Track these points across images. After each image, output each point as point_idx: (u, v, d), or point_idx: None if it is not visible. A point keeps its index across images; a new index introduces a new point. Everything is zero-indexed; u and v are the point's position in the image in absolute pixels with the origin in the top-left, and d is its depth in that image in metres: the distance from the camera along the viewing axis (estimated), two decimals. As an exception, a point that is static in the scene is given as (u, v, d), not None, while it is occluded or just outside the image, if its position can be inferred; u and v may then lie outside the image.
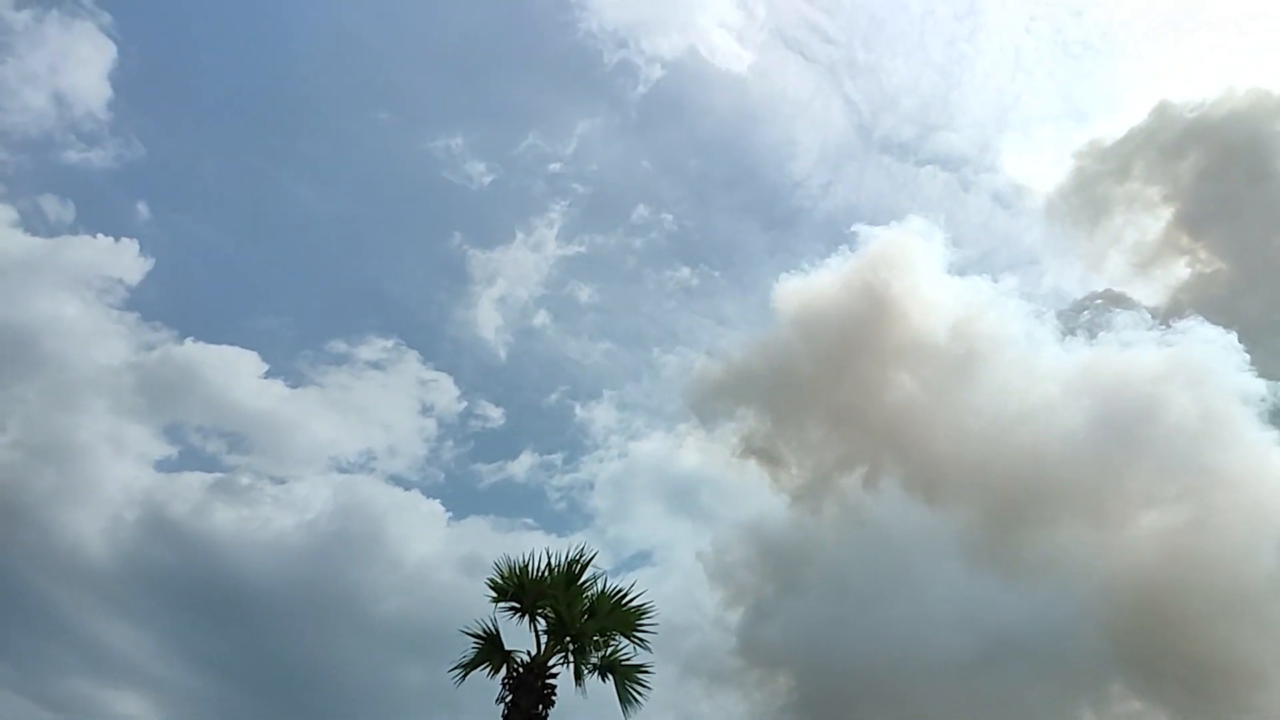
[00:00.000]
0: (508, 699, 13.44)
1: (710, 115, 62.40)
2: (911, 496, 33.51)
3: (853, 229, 43.58)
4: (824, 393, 38.79)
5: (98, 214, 50.36)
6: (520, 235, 56.21)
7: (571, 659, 13.90)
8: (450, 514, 48.96)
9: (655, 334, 58.80)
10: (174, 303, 52.78)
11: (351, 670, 40.87)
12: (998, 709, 27.33)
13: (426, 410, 51.93)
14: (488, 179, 56.35)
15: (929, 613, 28.87)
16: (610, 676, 14.01)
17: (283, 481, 47.46)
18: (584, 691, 13.88)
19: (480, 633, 14.11)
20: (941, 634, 28.15)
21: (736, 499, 42.59)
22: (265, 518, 45.23)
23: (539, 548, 14.16)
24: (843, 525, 34.64)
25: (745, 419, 40.26)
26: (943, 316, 38.63)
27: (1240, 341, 33.71)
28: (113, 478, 44.11)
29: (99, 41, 50.06)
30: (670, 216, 57.77)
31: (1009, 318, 38.51)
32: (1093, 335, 38.00)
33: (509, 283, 54.80)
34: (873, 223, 45.28)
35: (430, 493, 50.47)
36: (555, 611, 13.82)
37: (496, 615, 14.09)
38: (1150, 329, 37.12)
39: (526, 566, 14.00)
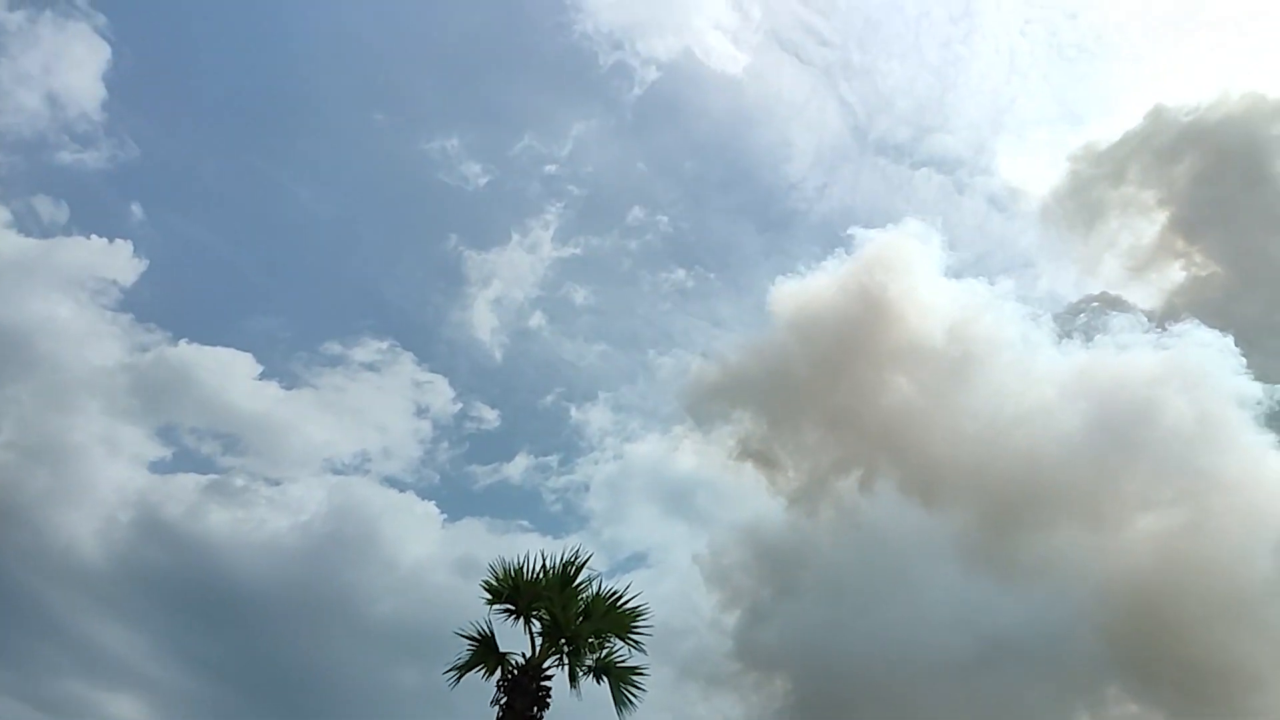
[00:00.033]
0: (502, 701, 13.39)
1: (705, 117, 62.54)
2: (908, 499, 33.52)
3: (849, 231, 43.56)
4: (820, 395, 38.82)
5: (92, 215, 50.36)
6: (516, 237, 56.26)
7: (566, 661, 13.85)
8: (445, 516, 48.90)
9: (650, 336, 58.86)
10: (168, 304, 52.77)
11: (346, 672, 40.81)
12: (994, 711, 27.29)
13: (421, 412, 51.92)
14: (483, 180, 56.38)
15: (926, 615, 28.85)
16: (605, 678, 13.96)
17: (277, 483, 47.39)
18: (579, 693, 13.83)
19: (475, 634, 14.06)
20: (938, 637, 28.13)
21: (733, 501, 42.64)
22: (260, 519, 45.16)
23: (534, 549, 14.14)
24: (839, 528, 34.65)
25: (742, 422, 40.31)
26: (939, 319, 38.70)
27: (1236, 345, 33.81)
28: (107, 479, 44.05)
29: (93, 42, 50.06)
30: (665, 218, 57.85)
31: (1005, 321, 38.61)
32: (1089, 338, 38.11)
33: (504, 284, 54.84)
34: (867, 225, 45.42)
35: (425, 494, 50.46)
36: (550, 613, 13.77)
37: (491, 617, 14.05)
38: (1146, 332, 37.23)
39: (521, 568, 13.95)
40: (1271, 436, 31.25)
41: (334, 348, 52.13)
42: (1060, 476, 32.22)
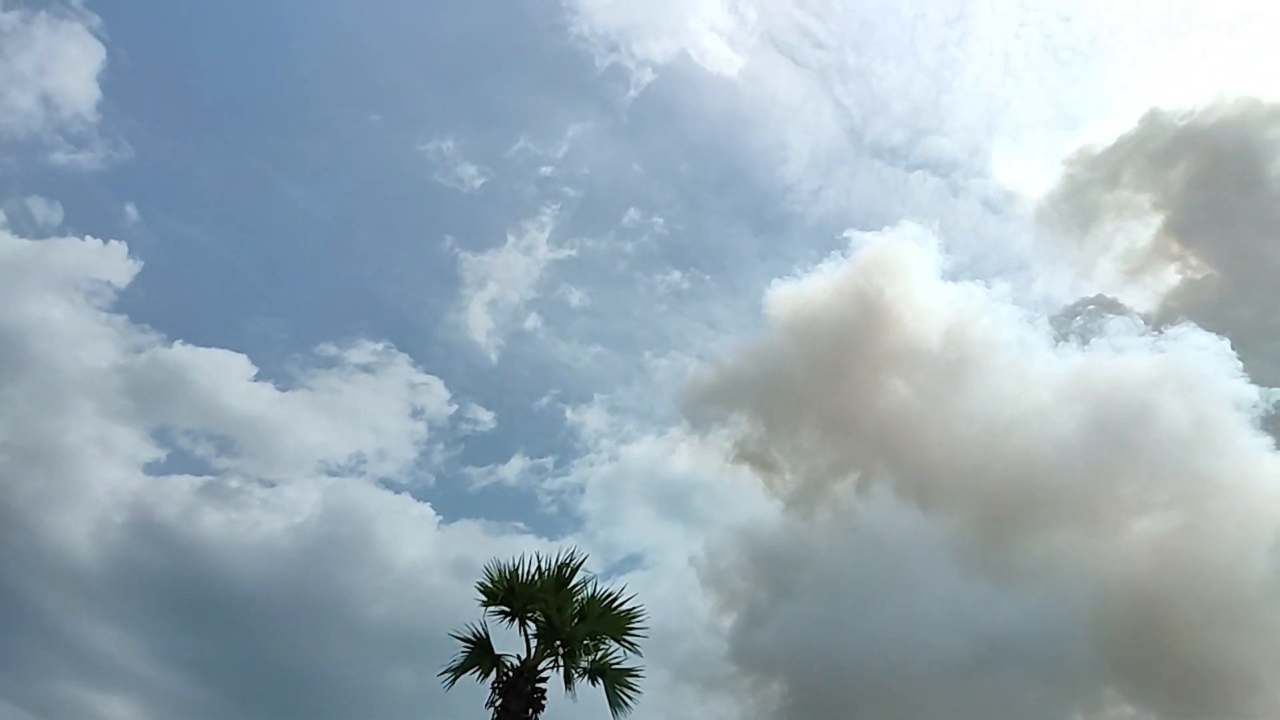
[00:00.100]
0: (497, 703, 13.36)
1: (701, 119, 62.46)
2: (905, 502, 33.56)
3: (845, 234, 43.56)
4: (817, 398, 38.84)
5: (86, 216, 50.01)
6: (511, 238, 56.08)
7: (561, 663, 13.81)
8: (440, 517, 48.63)
9: (646, 337, 58.71)
10: (163, 305, 52.51)
11: (341, 674, 40.69)
12: (991, 713, 27.28)
13: (417, 413, 51.75)
14: (479, 182, 56.21)
15: (922, 618, 28.84)
16: (600, 680, 13.93)
17: (272, 485, 47.18)
18: (574, 695, 13.80)
19: (470, 636, 14.02)
20: (935, 639, 28.13)
21: (729, 504, 42.59)
22: (254, 521, 44.96)
23: (529, 551, 14.20)
24: (836, 530, 34.67)
25: (738, 424, 40.28)
26: (935, 322, 38.74)
27: (1232, 348, 33.87)
28: (101, 480, 43.79)
29: (87, 43, 49.83)
30: (661, 220, 57.66)
31: (1001, 323, 38.63)
32: (1085, 341, 38.10)
33: (500, 286, 54.69)
34: (863, 227, 45.41)
35: (420, 496, 50.17)
36: (545, 615, 13.74)
37: (486, 619, 14.01)
38: (1142, 335, 37.27)
39: (516, 570, 13.92)
40: (1268, 439, 31.33)
41: (329, 349, 51.95)
42: (1057, 479, 32.25)
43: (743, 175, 63.68)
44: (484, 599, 13.95)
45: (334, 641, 41.83)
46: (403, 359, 52.33)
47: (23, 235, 46.65)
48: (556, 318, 55.79)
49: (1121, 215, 45.40)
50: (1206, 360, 33.66)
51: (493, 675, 13.71)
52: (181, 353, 47.66)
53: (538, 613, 13.79)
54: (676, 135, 62.52)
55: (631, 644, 14.03)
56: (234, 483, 46.37)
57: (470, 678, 13.89)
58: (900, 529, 32.20)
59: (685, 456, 44.00)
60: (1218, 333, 34.68)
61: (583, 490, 51.45)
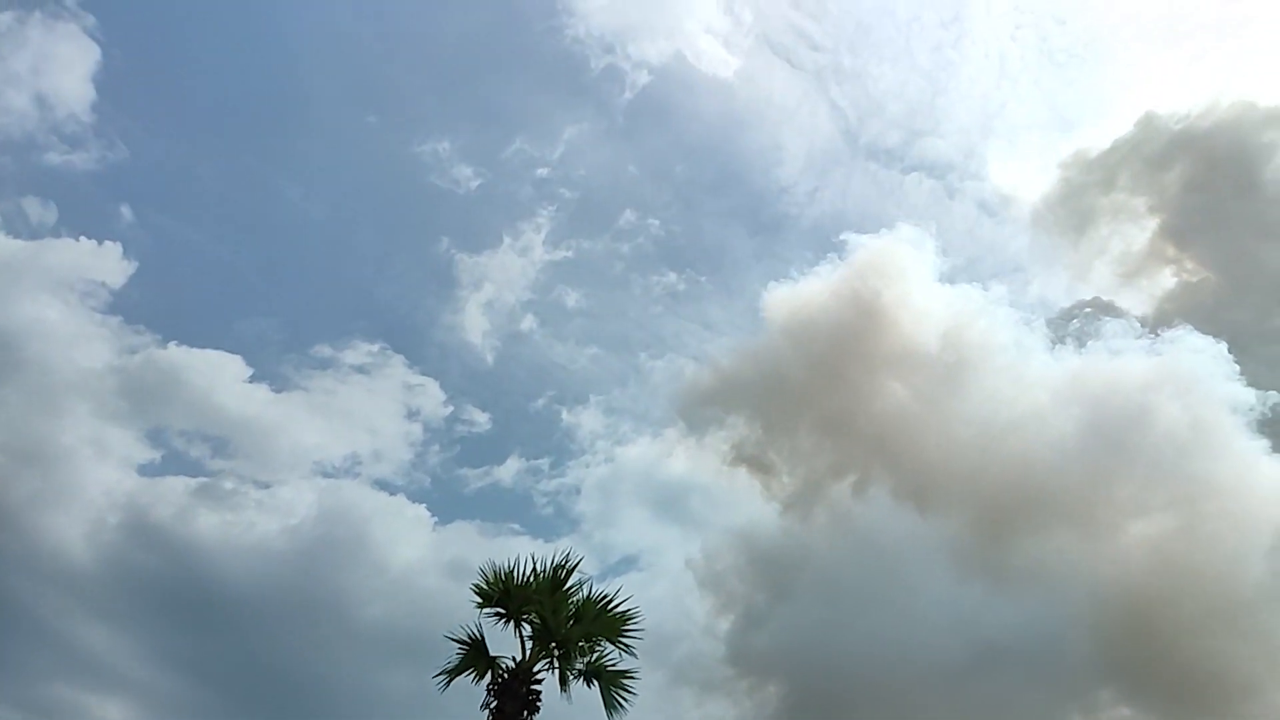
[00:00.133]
0: (493, 705, 13.34)
1: (697, 120, 62.50)
2: (902, 504, 33.54)
3: (842, 237, 43.64)
4: (814, 401, 38.86)
5: (80, 216, 49.83)
6: (507, 240, 56.09)
7: (557, 665, 13.80)
8: (436, 519, 48.53)
9: (642, 339, 58.70)
10: (157, 306, 52.29)
11: (336, 675, 40.57)
12: (988, 716, 27.27)
13: (412, 415, 51.69)
14: (475, 183, 56.20)
15: (919, 620, 28.82)
16: (596, 682, 13.92)
17: (267, 486, 47.07)
18: (569, 697, 13.80)
19: (465, 638, 14.00)
20: (932, 641, 28.11)
21: (726, 506, 42.57)
22: (249, 522, 44.86)
23: (524, 553, 14.18)
24: (833, 533, 34.64)
25: (735, 426, 40.29)
26: (932, 325, 38.77)
27: (1229, 351, 33.93)
28: (95, 482, 43.68)
29: (82, 43, 49.78)
30: (657, 221, 57.69)
31: (998, 326, 38.67)
32: (1081, 344, 38.14)
33: (496, 287, 54.68)
34: (859, 229, 45.54)
35: (416, 497, 50.10)
36: (541, 617, 13.73)
37: (482, 621, 14.02)
38: (1139, 338, 37.31)
39: (512, 572, 13.92)
40: (1264, 442, 31.35)
41: (324, 350, 51.90)
42: (1053, 482, 32.27)
43: (738, 177, 63.75)
44: (479, 600, 13.94)
45: (329, 643, 41.74)
46: (398, 360, 52.32)
47: (17, 236, 46.63)
48: (552, 319, 55.85)
49: (1117, 218, 45.53)
50: (1203, 363, 33.73)
51: (488, 677, 13.70)
52: (176, 354, 47.64)
53: (533, 614, 13.77)
54: (672, 137, 62.62)
55: (627, 646, 14.05)
56: (229, 484, 46.32)
57: (465, 679, 13.88)
58: (898, 531, 32.20)
59: (682, 458, 44.07)
60: (1214, 335, 34.81)
61: (578, 492, 51.47)
